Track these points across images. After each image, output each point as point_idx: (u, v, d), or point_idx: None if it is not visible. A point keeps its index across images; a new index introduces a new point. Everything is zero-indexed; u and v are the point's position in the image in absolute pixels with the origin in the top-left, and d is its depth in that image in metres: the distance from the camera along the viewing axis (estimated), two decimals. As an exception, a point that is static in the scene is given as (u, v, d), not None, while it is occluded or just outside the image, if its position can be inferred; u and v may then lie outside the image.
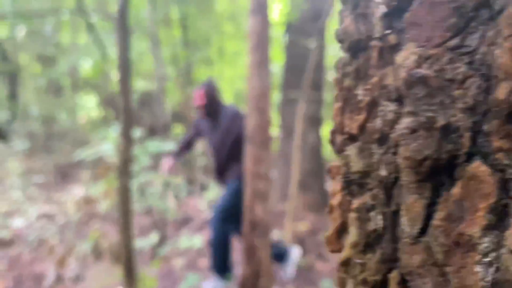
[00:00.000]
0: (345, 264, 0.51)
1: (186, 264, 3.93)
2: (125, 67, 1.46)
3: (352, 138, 0.52)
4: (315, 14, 5.68)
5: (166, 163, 3.61)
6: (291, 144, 5.57)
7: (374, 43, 0.48)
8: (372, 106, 0.49)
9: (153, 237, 4.23)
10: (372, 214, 0.49)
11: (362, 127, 0.50)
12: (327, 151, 9.54)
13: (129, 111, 1.48)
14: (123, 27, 1.43)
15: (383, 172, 0.47)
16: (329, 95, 8.20)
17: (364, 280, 0.49)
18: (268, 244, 2.57)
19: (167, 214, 4.04)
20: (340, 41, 0.53)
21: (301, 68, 5.63)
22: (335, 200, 0.55)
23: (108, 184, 2.19)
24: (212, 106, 3.33)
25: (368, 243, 0.49)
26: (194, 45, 7.60)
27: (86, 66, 10.03)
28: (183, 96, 6.16)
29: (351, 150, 0.52)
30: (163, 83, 3.90)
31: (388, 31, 0.46)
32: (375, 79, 0.48)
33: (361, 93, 0.50)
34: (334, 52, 8.69)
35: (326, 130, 7.69)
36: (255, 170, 2.57)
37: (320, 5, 5.67)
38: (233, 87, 9.60)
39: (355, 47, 0.51)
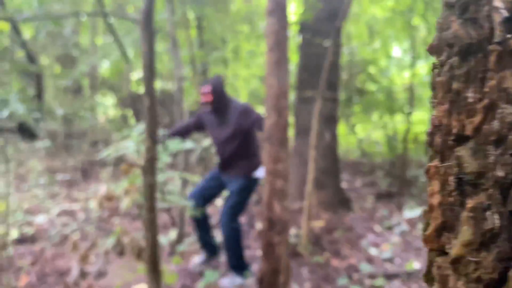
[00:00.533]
0: (456, 262, 0.53)
1: (205, 260, 3.96)
2: (150, 67, 1.47)
3: (460, 139, 0.54)
4: (330, 13, 5.65)
5: None
6: (306, 143, 5.56)
7: (493, 47, 0.49)
8: (489, 109, 0.50)
9: (172, 234, 4.27)
10: (488, 213, 0.50)
11: (477, 129, 0.52)
12: (342, 149, 9.49)
13: (154, 110, 1.49)
14: (148, 28, 1.45)
15: (500, 173, 0.49)
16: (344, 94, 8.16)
17: (478, 278, 0.51)
18: (286, 241, 2.57)
19: (185, 211, 4.07)
20: (449, 45, 0.55)
21: (316, 68, 5.62)
22: (434, 200, 0.57)
23: (130, 182, 2.22)
24: (219, 102, 3.29)
25: (483, 242, 0.50)
26: (210, 45, 7.63)
27: (105, 67, 10.16)
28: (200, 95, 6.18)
29: (463, 151, 0.53)
30: (182, 83, 3.92)
31: (509, 36, 0.48)
32: (493, 82, 0.50)
33: (472, 96, 0.52)
34: (347, 52, 8.64)
35: (341, 129, 7.66)
36: (273, 168, 2.57)
37: (334, 5, 5.65)
38: (248, 86, 9.62)
39: (466, 51, 0.53)
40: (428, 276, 0.57)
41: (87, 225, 5.06)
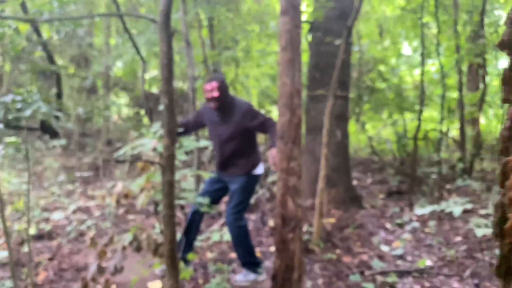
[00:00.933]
0: None
1: (218, 257, 3.98)
2: (169, 67, 1.48)
3: None
4: (341, 12, 5.63)
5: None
6: (317, 140, 5.55)
7: None
8: None
9: (186, 231, 4.29)
10: None
11: None
12: (352, 147, 9.44)
13: (172, 109, 1.50)
14: (167, 28, 1.46)
15: None
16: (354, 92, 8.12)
17: None
18: (300, 238, 2.57)
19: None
20: None
21: (326, 66, 5.60)
22: None
23: (147, 179, 2.23)
24: (224, 99, 3.26)
25: None
26: (221, 44, 7.65)
27: (119, 67, 10.24)
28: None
29: None
30: (195, 82, 3.93)
31: None
32: None
33: None
34: (357, 50, 8.60)
35: (351, 127, 7.63)
36: (286, 166, 2.57)
37: (345, 4, 5.62)
38: (259, 85, 9.62)
39: None
40: (499, 270, 0.56)
41: (102, 222, 5.12)
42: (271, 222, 4.90)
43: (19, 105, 1.62)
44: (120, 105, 10.33)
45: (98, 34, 10.43)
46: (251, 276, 3.37)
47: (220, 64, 7.32)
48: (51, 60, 4.59)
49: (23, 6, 3.19)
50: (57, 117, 2.00)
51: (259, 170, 3.44)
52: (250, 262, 3.38)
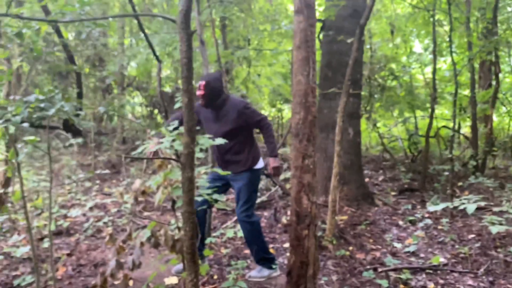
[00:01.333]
0: None
1: (232, 253, 3.99)
2: (188, 65, 1.49)
3: None
4: (353, 11, 5.59)
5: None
6: (329, 138, 5.53)
7: None
8: None
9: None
10: None
11: None
12: (363, 145, 9.39)
13: (192, 107, 1.51)
14: (186, 28, 1.47)
15: None
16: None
17: None
18: (315, 234, 2.57)
19: (213, 205, 4.10)
20: None
21: (338, 65, 5.57)
22: None
23: (164, 176, 2.25)
24: (212, 96, 3.22)
25: None
26: (232, 44, 7.65)
27: (133, 67, 10.31)
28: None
29: None
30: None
31: None
32: None
33: None
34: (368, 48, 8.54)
35: (363, 124, 7.58)
36: (301, 164, 2.56)
37: (357, 2, 5.58)
38: (271, 84, 9.61)
39: None
40: None
41: (119, 219, 5.16)
42: (284, 219, 4.89)
43: (42, 104, 1.64)
44: (135, 104, 10.40)
45: (112, 35, 10.50)
46: (266, 272, 3.37)
47: (232, 63, 7.33)
48: (71, 60, 4.63)
49: (44, 8, 3.24)
50: (78, 116, 2.02)
51: (260, 164, 3.43)
52: (264, 258, 3.38)
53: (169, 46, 7.00)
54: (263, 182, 6.14)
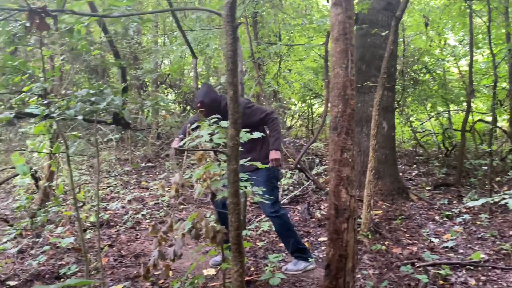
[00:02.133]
0: None
1: (268, 246, 3.99)
2: (233, 59, 1.48)
3: None
4: (386, 4, 5.46)
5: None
6: (362, 132, 5.43)
7: None
8: None
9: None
10: None
11: None
12: (397, 139, 9.17)
13: (237, 99, 1.50)
14: (232, 21, 1.46)
15: None
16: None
17: None
18: (354, 227, 2.52)
19: (247, 198, 4.11)
20: None
21: (372, 58, 5.46)
22: None
23: (205, 169, 2.26)
24: (211, 109, 3.22)
25: None
26: (263, 39, 7.62)
27: (166, 64, 10.44)
28: (258, 88, 6.24)
29: None
30: (243, 76, 3.94)
31: None
32: None
33: None
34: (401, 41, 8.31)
35: (396, 119, 7.41)
36: (340, 157, 2.52)
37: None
38: (302, 79, 9.53)
39: None
40: None
41: (157, 211, 5.26)
42: (317, 213, 4.85)
43: (93, 98, 1.68)
44: (169, 101, 10.54)
45: (146, 33, 10.66)
46: (302, 265, 3.35)
47: (264, 59, 7.30)
48: (117, 55, 4.73)
49: (91, 5, 3.31)
50: (125, 109, 2.06)
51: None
52: (299, 251, 3.35)
53: (201, 43, 7.04)
54: (295, 177, 6.10)
